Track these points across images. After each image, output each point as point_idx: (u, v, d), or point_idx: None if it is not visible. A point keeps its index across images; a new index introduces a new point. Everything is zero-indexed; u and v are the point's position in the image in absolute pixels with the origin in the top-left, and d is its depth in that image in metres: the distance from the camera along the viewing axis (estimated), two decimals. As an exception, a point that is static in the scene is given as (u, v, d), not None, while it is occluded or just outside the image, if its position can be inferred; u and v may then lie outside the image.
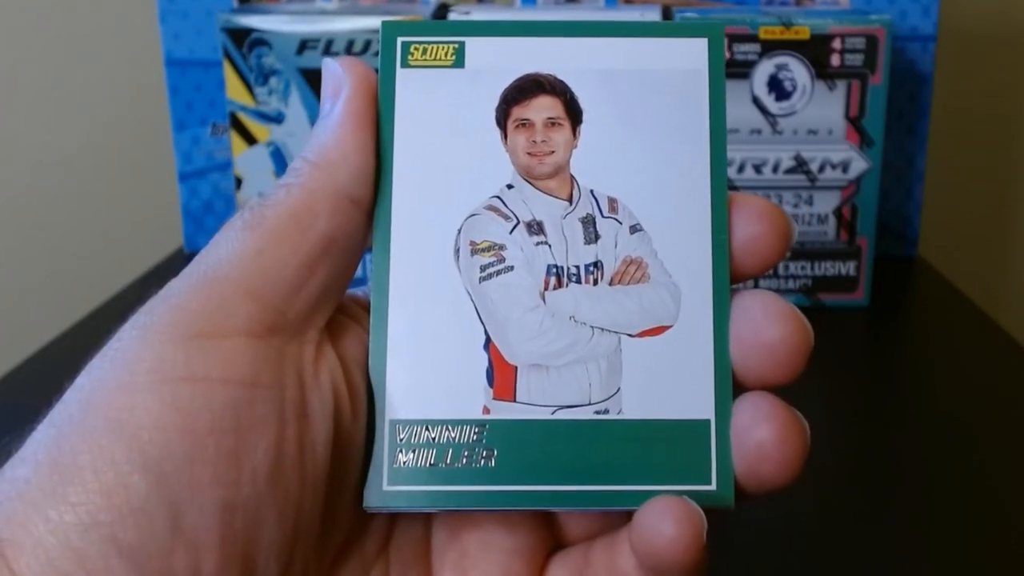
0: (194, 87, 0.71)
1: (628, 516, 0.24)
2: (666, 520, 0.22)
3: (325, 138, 0.24)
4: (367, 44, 0.63)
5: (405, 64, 0.25)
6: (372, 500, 0.23)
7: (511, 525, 0.25)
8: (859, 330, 0.62)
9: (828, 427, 0.49)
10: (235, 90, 0.64)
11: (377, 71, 0.25)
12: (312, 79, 0.63)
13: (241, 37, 0.63)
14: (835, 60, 0.60)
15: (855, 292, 0.63)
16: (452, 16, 0.62)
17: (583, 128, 0.25)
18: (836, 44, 0.60)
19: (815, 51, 0.60)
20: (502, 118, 0.25)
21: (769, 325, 0.23)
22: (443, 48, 0.25)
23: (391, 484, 0.23)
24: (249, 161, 0.65)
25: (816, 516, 0.42)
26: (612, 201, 0.25)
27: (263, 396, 0.21)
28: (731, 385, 0.24)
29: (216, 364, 0.21)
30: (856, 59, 0.60)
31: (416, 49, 0.25)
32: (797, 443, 0.22)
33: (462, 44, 0.25)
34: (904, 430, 0.49)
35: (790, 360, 0.23)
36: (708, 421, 0.24)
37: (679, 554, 0.22)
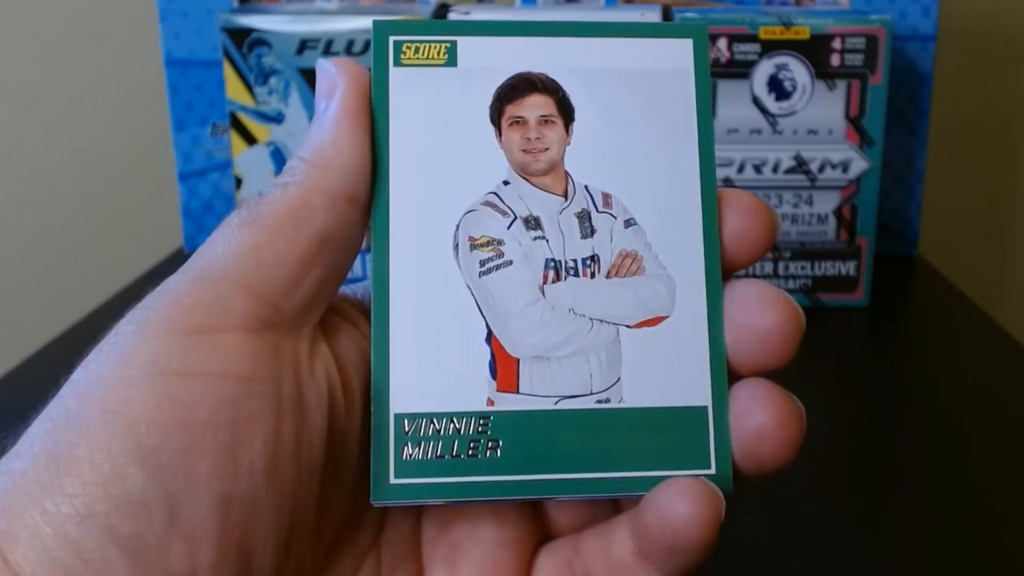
0: (194, 87, 0.71)
1: (616, 507, 0.25)
2: (684, 500, 0.22)
3: (320, 137, 0.24)
4: (367, 44, 0.63)
5: (398, 63, 0.25)
6: (379, 494, 0.24)
7: (500, 518, 0.25)
8: (859, 330, 0.62)
9: (828, 427, 0.49)
10: (235, 90, 0.64)
11: (371, 70, 0.25)
12: (312, 79, 0.63)
13: (241, 37, 0.63)
14: (835, 60, 0.60)
15: (855, 292, 0.63)
16: (452, 16, 0.62)
17: (575, 126, 0.25)
18: (836, 44, 0.60)
19: (815, 51, 0.60)
20: (496, 116, 0.25)
21: (762, 312, 0.24)
22: (435, 47, 0.25)
23: (398, 477, 0.24)
24: (249, 161, 0.65)
25: (815, 516, 0.42)
26: (606, 196, 0.25)
27: (259, 391, 0.21)
28: (726, 372, 0.24)
29: (213, 359, 0.21)
30: (856, 59, 0.60)
31: (408, 48, 0.25)
32: (795, 426, 0.23)
33: (454, 43, 0.25)
34: (904, 430, 0.49)
35: (783, 345, 0.24)
36: (705, 407, 0.24)
37: (697, 532, 0.22)
